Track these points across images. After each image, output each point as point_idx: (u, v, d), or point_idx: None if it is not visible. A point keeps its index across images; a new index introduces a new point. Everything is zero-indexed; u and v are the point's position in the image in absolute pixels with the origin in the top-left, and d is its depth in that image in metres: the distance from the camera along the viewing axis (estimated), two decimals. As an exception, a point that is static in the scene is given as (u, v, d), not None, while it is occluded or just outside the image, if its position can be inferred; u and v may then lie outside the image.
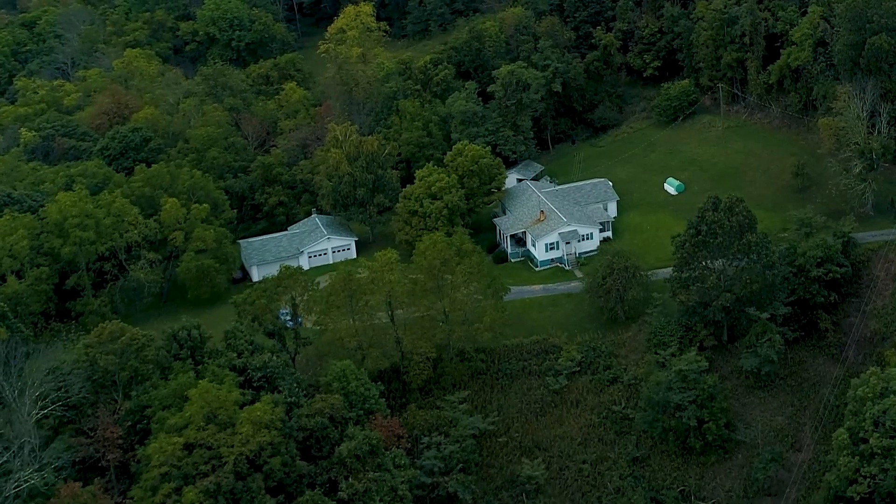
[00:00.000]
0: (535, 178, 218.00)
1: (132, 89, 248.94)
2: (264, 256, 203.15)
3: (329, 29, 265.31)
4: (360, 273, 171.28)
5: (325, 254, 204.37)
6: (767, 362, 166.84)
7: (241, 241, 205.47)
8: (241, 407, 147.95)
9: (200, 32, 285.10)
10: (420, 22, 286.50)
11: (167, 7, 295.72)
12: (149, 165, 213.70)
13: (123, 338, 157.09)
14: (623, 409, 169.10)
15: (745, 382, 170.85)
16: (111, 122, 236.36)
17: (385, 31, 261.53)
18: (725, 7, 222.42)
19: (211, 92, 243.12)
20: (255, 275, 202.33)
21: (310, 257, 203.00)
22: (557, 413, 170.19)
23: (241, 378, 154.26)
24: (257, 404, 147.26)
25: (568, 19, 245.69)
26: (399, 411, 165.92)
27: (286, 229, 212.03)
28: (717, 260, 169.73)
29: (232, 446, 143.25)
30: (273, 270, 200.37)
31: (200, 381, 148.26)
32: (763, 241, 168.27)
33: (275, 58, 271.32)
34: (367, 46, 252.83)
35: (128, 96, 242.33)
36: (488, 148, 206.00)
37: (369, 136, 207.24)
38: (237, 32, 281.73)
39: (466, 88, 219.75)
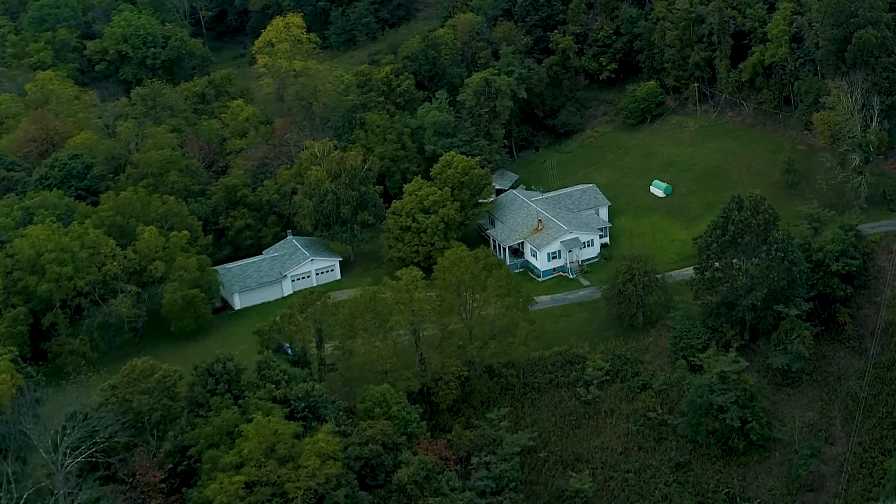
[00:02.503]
0: (512, 187, 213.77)
1: (50, 114, 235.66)
2: (246, 283, 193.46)
3: (256, 42, 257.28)
4: (383, 293, 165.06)
5: (308, 276, 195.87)
6: (797, 359, 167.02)
7: (217, 268, 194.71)
8: (297, 439, 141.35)
9: (111, 51, 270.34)
10: (344, 32, 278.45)
11: (69, 25, 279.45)
12: (92, 194, 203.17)
13: (156, 375, 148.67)
14: (659, 415, 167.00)
15: (772, 380, 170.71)
16: (40, 149, 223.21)
17: (316, 44, 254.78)
18: (692, 6, 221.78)
19: (148, 113, 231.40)
20: (237, 303, 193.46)
21: (293, 281, 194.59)
22: (593, 424, 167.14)
23: (286, 409, 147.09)
24: (319, 435, 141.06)
25: (519, 24, 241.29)
26: (432, 433, 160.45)
27: (259, 253, 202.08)
28: (735, 259, 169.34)
29: (297, 481, 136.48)
30: (255, 297, 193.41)
31: (255, 416, 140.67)
32: (787, 238, 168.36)
33: (197, 76, 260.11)
34: (299, 59, 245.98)
35: (56, 121, 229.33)
36: (477, 158, 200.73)
37: (352, 152, 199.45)
38: (151, 49, 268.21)
39: (438, 98, 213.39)
